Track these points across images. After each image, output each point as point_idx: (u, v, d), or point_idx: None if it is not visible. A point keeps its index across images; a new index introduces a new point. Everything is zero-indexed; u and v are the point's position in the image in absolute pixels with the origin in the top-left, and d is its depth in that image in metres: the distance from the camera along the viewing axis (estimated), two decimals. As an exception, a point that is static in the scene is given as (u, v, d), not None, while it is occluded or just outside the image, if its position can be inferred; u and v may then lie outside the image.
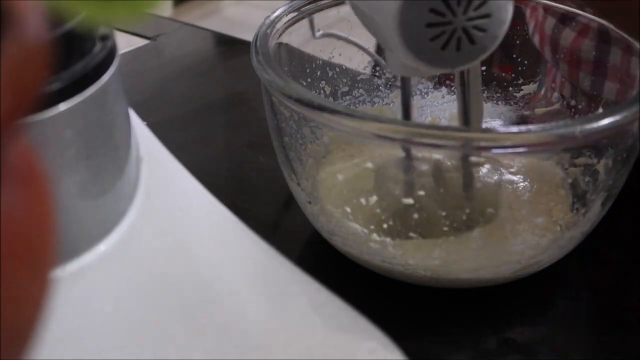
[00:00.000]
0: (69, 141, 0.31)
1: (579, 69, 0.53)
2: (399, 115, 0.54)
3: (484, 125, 0.51)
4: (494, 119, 0.54)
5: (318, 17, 0.49)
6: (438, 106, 0.55)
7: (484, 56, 0.36)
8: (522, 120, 0.53)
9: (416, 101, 0.55)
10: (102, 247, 0.33)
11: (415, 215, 0.43)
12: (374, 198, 0.44)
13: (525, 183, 0.46)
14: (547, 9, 0.55)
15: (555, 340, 0.41)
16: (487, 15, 0.35)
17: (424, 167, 0.46)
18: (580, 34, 0.53)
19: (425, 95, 0.55)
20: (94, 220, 0.33)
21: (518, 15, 0.56)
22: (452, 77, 0.55)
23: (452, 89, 0.55)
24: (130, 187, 0.35)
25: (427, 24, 0.34)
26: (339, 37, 0.51)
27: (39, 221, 0.14)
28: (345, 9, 0.49)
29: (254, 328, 0.32)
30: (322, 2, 0.48)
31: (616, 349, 0.40)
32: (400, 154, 0.46)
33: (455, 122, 0.54)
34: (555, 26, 0.55)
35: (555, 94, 0.52)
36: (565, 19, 0.54)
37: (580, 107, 0.50)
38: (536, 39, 0.57)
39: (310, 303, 0.34)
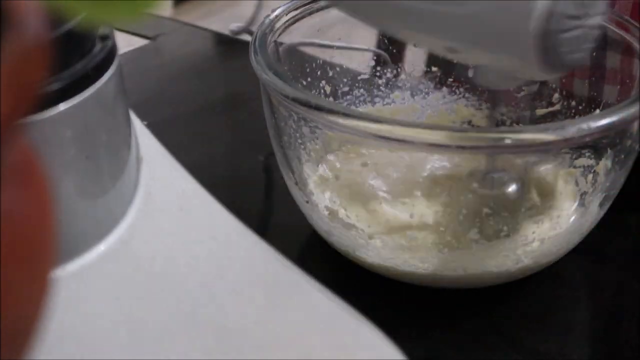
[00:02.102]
0: (69, 141, 0.31)
1: (572, 75, 0.52)
2: (398, 114, 0.54)
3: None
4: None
5: (318, 17, 0.49)
6: (439, 106, 0.55)
7: (587, 55, 0.35)
8: (522, 121, 0.53)
9: (417, 101, 0.55)
10: (102, 247, 0.33)
11: (413, 215, 0.43)
12: (372, 198, 0.44)
13: (524, 184, 0.46)
14: None
15: (555, 340, 0.41)
16: (601, 13, 0.33)
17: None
18: None
19: (427, 96, 0.55)
20: (94, 220, 0.33)
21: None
22: (452, 78, 0.55)
23: (453, 89, 0.55)
24: (130, 187, 0.35)
25: (563, 30, 0.32)
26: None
27: (39, 221, 0.14)
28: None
29: (254, 328, 0.32)
30: (322, 1, 0.48)
31: (616, 349, 0.40)
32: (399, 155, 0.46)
33: (454, 123, 0.54)
34: None
35: (556, 95, 0.52)
36: None
37: (580, 107, 0.51)
38: None
39: (310, 303, 0.34)
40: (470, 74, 0.55)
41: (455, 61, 0.39)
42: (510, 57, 0.34)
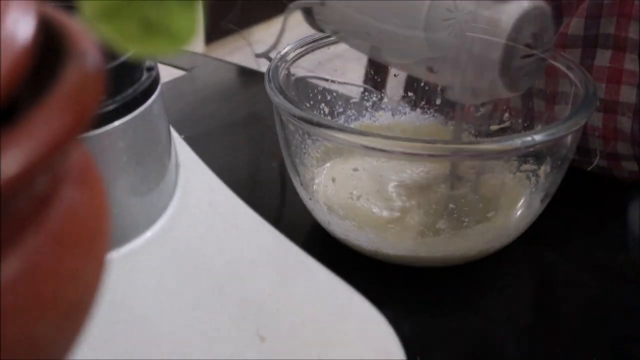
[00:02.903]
0: (122, 150, 0.30)
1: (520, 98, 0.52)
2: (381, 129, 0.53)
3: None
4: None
5: (319, 53, 0.49)
6: (414, 123, 0.55)
7: (537, 79, 0.36)
8: (480, 135, 0.53)
9: (396, 119, 0.55)
10: (148, 234, 0.33)
11: (394, 209, 0.43)
12: (361, 196, 0.44)
13: (481, 184, 0.46)
14: None
15: (506, 307, 0.41)
16: (550, 49, 0.35)
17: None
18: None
19: (404, 115, 0.55)
20: (142, 213, 0.33)
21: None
22: (424, 101, 0.55)
23: (425, 110, 0.55)
24: (171, 187, 0.35)
25: (523, 56, 0.33)
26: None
27: (95, 213, 0.14)
28: (341, 47, 0.49)
29: (268, 299, 0.32)
30: (323, 40, 0.48)
31: (552, 312, 0.40)
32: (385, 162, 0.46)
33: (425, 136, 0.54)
34: None
35: (506, 114, 0.52)
36: None
37: (525, 124, 0.50)
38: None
39: (313, 280, 0.34)
40: (438, 100, 0.55)
41: (431, 81, 0.39)
42: (480, 78, 0.35)
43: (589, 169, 0.45)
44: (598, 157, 0.50)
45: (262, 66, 0.74)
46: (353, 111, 0.53)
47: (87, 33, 0.14)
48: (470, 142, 0.44)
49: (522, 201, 0.44)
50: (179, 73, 0.77)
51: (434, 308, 0.40)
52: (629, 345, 0.37)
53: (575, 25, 0.49)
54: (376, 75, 0.54)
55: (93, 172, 0.14)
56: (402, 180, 0.46)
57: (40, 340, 0.12)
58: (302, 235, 0.47)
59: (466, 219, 0.42)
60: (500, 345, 0.38)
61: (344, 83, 0.52)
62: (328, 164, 0.48)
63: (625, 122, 0.49)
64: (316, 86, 0.51)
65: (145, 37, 0.15)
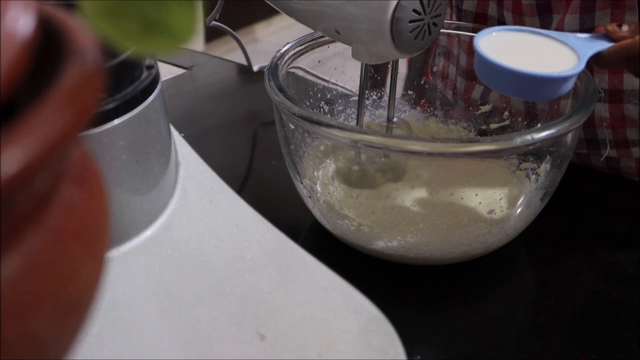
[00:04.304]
0: (122, 149, 0.30)
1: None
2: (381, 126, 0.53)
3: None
4: (460, 132, 0.54)
5: (319, 51, 0.49)
6: (414, 122, 0.55)
7: (429, 44, 0.39)
8: (480, 133, 0.53)
9: (396, 117, 0.55)
10: (148, 232, 0.33)
11: (394, 207, 0.43)
12: (360, 193, 0.44)
13: (481, 182, 0.46)
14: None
15: (504, 305, 0.41)
16: (439, 15, 0.38)
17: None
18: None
19: (404, 114, 0.55)
20: (142, 211, 0.33)
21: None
22: (424, 99, 0.55)
23: (425, 108, 0.55)
24: (171, 185, 0.35)
25: (410, 20, 0.36)
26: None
27: (96, 211, 0.14)
28: (340, 45, 0.49)
29: (267, 297, 0.32)
30: (322, 39, 0.48)
31: (551, 311, 0.40)
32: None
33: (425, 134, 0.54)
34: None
35: (506, 113, 0.52)
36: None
37: (525, 122, 0.50)
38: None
39: (311, 277, 0.34)
40: (438, 99, 0.55)
41: (340, 41, 0.42)
42: (374, 38, 0.38)
43: (601, 158, 0.46)
44: (608, 148, 0.51)
45: (255, 63, 0.74)
46: (353, 109, 0.53)
47: (87, 31, 0.14)
48: (470, 141, 0.44)
49: (521, 200, 0.44)
50: (179, 71, 0.77)
51: (434, 306, 0.40)
52: (629, 344, 0.37)
53: (569, 21, 0.49)
54: (376, 73, 0.54)
55: (93, 170, 0.14)
56: (402, 179, 0.46)
57: (40, 338, 0.12)
58: (302, 234, 0.47)
59: (466, 218, 0.42)
60: (500, 345, 0.38)
61: (341, 86, 0.52)
62: (328, 162, 0.48)
63: (632, 109, 0.50)
64: (316, 84, 0.51)
65: (145, 35, 0.15)
